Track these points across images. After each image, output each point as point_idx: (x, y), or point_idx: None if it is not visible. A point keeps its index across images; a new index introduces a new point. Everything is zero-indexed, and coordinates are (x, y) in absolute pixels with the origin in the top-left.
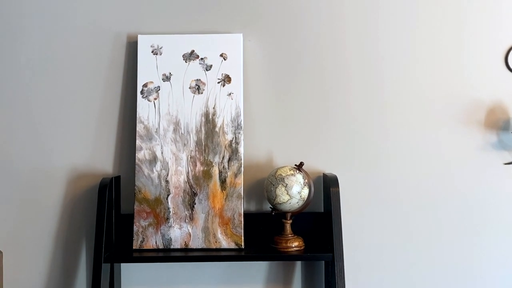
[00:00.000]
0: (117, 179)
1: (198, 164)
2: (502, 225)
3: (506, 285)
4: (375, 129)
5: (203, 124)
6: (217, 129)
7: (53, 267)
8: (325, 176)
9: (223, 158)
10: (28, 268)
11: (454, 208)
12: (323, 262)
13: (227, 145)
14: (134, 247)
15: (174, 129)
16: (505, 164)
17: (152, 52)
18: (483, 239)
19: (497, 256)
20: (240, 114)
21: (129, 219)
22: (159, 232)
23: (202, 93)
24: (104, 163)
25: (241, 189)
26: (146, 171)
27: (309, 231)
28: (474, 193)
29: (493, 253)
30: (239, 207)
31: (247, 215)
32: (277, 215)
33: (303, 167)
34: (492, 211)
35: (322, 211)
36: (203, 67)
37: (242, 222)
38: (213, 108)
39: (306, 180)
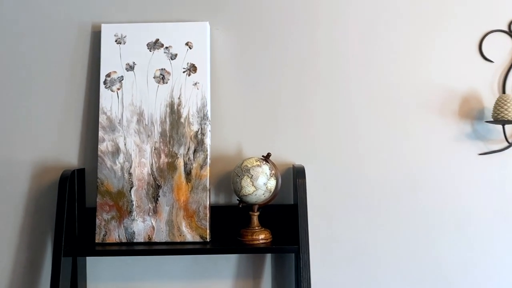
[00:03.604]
0: (81, 171)
1: (163, 155)
2: (477, 215)
3: (479, 273)
4: (346, 120)
5: (168, 114)
6: (182, 120)
7: (18, 261)
8: (294, 168)
9: (188, 149)
10: None
11: (427, 199)
12: (293, 255)
13: (192, 136)
14: (96, 241)
15: (137, 120)
16: (480, 154)
17: (116, 41)
18: (457, 230)
19: (470, 246)
20: (207, 104)
21: (94, 212)
22: (122, 226)
23: (166, 83)
24: (68, 155)
25: (207, 181)
26: (108, 163)
27: (279, 223)
28: (448, 184)
29: (466, 243)
30: (204, 200)
31: (214, 208)
32: (245, 208)
33: (271, 158)
34: (466, 202)
35: (292, 203)
36: (168, 56)
37: (208, 215)
38: (178, 98)
39: (273, 171)
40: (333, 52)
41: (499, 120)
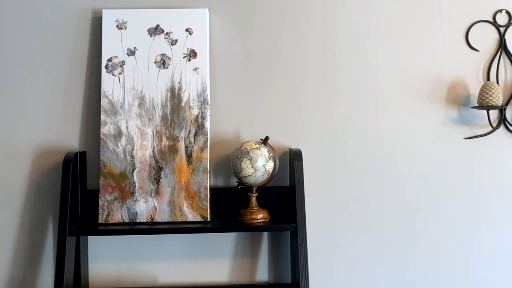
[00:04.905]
0: (82, 154)
1: (164, 138)
2: (463, 197)
3: (469, 256)
4: (340, 105)
5: (168, 99)
6: (183, 104)
7: (20, 243)
8: (290, 151)
9: (189, 133)
10: None
11: (416, 181)
12: (289, 234)
13: (193, 120)
14: (99, 221)
15: (139, 104)
16: (465, 138)
17: (117, 26)
18: (444, 211)
19: (457, 228)
20: (206, 89)
21: (96, 194)
22: (124, 206)
23: (167, 68)
24: (70, 138)
25: (207, 163)
26: (111, 145)
27: (276, 204)
28: (436, 167)
29: (453, 225)
30: (205, 181)
31: (214, 190)
32: (243, 189)
33: (269, 141)
34: (453, 184)
35: (288, 185)
36: (168, 42)
37: (208, 196)
38: (179, 83)
39: (271, 154)
40: (326, 40)
41: (484, 105)
